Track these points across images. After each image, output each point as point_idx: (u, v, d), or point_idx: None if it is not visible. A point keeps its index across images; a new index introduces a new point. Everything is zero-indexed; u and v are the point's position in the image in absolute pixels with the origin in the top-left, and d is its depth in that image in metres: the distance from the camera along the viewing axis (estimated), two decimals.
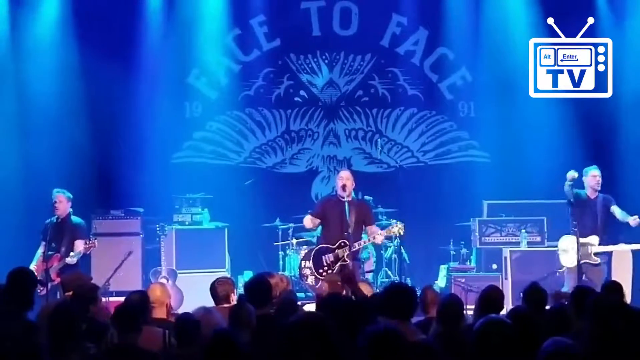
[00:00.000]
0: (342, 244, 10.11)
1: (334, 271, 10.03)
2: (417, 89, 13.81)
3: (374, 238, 10.25)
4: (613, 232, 11.09)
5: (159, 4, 13.12)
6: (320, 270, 10.25)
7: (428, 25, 13.60)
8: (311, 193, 13.75)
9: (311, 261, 10.39)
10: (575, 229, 10.68)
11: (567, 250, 10.85)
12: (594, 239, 10.79)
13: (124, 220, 12.13)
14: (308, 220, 10.56)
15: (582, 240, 10.67)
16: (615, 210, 10.83)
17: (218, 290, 7.23)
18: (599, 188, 10.85)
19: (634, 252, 11.61)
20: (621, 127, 12.88)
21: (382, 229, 10.69)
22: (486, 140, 13.63)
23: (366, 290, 7.58)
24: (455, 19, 13.35)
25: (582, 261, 10.66)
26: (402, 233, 10.33)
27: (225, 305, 7.02)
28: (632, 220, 10.64)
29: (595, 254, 10.77)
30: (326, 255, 10.23)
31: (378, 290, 11.37)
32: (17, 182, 12.38)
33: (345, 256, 10.07)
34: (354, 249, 10.08)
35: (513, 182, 12.87)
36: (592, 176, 10.83)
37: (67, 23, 12.79)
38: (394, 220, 10.90)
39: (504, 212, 12.70)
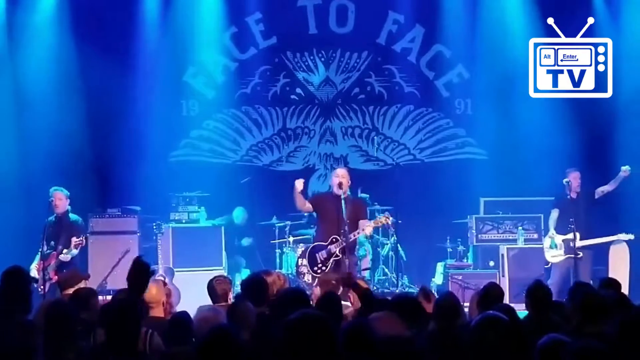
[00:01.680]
0: (334, 239, 10.12)
1: (328, 267, 10.06)
2: (414, 86, 13.82)
3: (362, 230, 10.20)
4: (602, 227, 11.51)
5: (155, 2, 13.11)
6: (315, 268, 10.25)
7: (424, 22, 13.61)
8: (308, 191, 13.73)
9: (306, 259, 10.40)
10: (572, 226, 10.89)
11: (551, 247, 11.39)
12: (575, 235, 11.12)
13: (121, 218, 12.10)
14: (300, 184, 10.45)
15: (564, 237, 11.25)
16: (603, 189, 11.32)
17: (217, 289, 7.20)
18: (570, 190, 11.34)
19: (631, 246, 11.70)
20: (621, 127, 12.89)
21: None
22: (483, 138, 13.64)
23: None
24: (452, 17, 13.36)
25: (566, 256, 11.18)
26: (389, 222, 10.34)
27: (223, 304, 7.02)
28: (623, 172, 11.21)
29: (578, 249, 11.11)
30: (319, 253, 10.23)
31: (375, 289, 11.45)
32: (14, 180, 12.37)
33: (337, 251, 10.07)
34: (346, 244, 10.04)
35: (510, 179, 12.87)
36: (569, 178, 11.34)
37: (64, 21, 12.79)
38: (386, 212, 10.87)
39: (501, 210, 12.71)
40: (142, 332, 5.99)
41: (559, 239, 11.29)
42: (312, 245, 10.42)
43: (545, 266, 11.42)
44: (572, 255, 11.09)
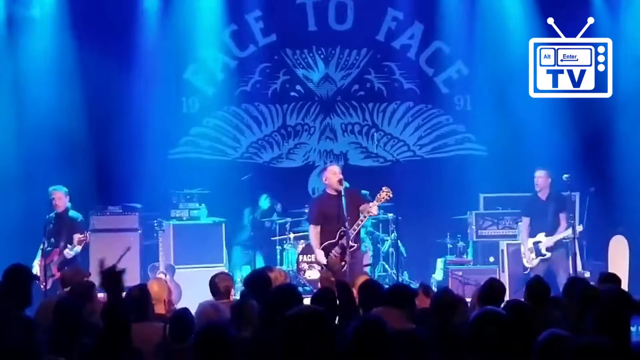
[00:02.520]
0: (342, 233, 9.97)
1: (345, 261, 9.89)
2: (413, 83, 13.85)
3: (368, 213, 9.95)
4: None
5: (155, 0, 13.14)
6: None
7: (423, 19, 13.63)
8: (308, 187, 13.78)
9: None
10: (572, 221, 10.91)
11: (526, 252, 11.36)
12: (541, 236, 11.21)
13: (121, 216, 12.11)
14: (315, 238, 10.25)
15: (532, 239, 11.28)
16: (562, 218, 11.29)
17: (219, 285, 7.20)
18: (538, 189, 11.40)
19: (630, 241, 11.72)
20: (620, 127, 12.91)
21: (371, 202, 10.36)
22: (482, 134, 13.67)
23: None
24: (451, 13, 13.37)
25: (538, 258, 11.21)
26: (390, 196, 10.21)
27: (225, 300, 7.04)
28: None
29: (547, 249, 11.18)
30: (333, 251, 10.10)
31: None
32: (15, 178, 12.38)
33: (351, 242, 9.88)
34: (354, 232, 9.87)
35: (509, 175, 12.88)
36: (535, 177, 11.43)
37: (64, 18, 12.78)
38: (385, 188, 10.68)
39: (501, 205, 12.74)
40: (160, 327, 6.05)
41: (529, 243, 11.28)
42: (325, 245, 10.27)
43: (524, 272, 11.37)
44: (542, 257, 11.15)
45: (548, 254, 11.15)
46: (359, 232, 10.12)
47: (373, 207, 10.00)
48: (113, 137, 12.89)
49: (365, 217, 9.97)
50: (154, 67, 13.09)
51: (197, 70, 13.59)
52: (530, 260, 11.27)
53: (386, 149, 13.79)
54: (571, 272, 10.59)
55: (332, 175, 10.20)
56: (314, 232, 10.29)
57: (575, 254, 10.83)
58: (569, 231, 11.05)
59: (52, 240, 10.51)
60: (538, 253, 11.17)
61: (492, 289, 6.52)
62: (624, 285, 9.76)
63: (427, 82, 13.81)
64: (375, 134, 13.75)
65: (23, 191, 12.24)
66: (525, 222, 11.50)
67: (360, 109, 13.89)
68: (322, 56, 13.84)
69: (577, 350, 3.92)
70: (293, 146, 13.85)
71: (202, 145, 13.68)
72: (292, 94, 13.85)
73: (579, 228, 11.22)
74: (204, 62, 13.58)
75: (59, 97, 12.72)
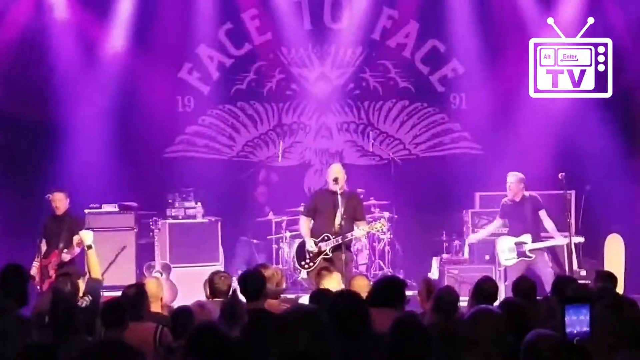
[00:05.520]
0: (325, 237, 9.96)
1: (317, 264, 9.89)
2: (409, 81, 13.85)
3: (354, 232, 10.02)
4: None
5: None
6: (303, 263, 10.09)
7: (418, 18, 13.63)
8: (304, 186, 13.78)
9: (295, 253, 10.33)
10: (569, 219, 10.88)
11: (504, 250, 11.04)
12: (526, 237, 10.88)
13: (117, 215, 12.09)
14: (305, 227, 10.30)
15: (516, 239, 10.92)
16: (542, 215, 10.95)
17: (219, 284, 7.19)
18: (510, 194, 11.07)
19: (625, 240, 11.72)
20: (619, 127, 12.93)
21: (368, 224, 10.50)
22: (478, 132, 13.68)
23: (362, 282, 7.60)
24: (447, 12, 13.37)
25: (519, 259, 10.85)
26: (384, 229, 10.20)
27: (223, 299, 7.03)
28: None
29: (530, 251, 10.84)
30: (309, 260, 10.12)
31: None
32: (11, 176, 12.39)
33: (328, 250, 9.90)
34: (336, 244, 9.84)
35: (505, 174, 12.86)
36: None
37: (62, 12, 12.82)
38: (383, 220, 10.75)
39: (496, 204, 12.72)
40: (152, 328, 6.04)
41: (510, 242, 11.00)
42: (302, 240, 10.33)
43: (499, 269, 11.30)
44: (525, 258, 10.84)
45: (532, 256, 10.82)
46: (345, 243, 9.87)
47: (359, 231, 10.02)
48: (109, 135, 12.88)
49: (351, 235, 9.92)
50: (149, 66, 13.08)
51: (193, 69, 13.58)
52: (509, 259, 10.94)
53: (382, 148, 13.78)
54: (553, 276, 10.48)
55: (330, 173, 10.26)
56: (304, 222, 10.31)
57: (571, 252, 10.80)
58: (560, 239, 10.91)
59: (52, 241, 10.43)
60: (521, 254, 10.97)
61: (484, 287, 6.53)
62: (620, 284, 9.79)
63: (422, 81, 13.82)
64: (371, 132, 13.75)
65: (19, 190, 12.25)
66: (496, 222, 11.32)
67: (355, 108, 13.89)
68: (317, 55, 13.83)
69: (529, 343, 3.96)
70: (289, 145, 13.84)
71: (198, 144, 13.68)
72: (288, 92, 13.84)
73: (582, 239, 11.00)
74: (200, 61, 13.58)
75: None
